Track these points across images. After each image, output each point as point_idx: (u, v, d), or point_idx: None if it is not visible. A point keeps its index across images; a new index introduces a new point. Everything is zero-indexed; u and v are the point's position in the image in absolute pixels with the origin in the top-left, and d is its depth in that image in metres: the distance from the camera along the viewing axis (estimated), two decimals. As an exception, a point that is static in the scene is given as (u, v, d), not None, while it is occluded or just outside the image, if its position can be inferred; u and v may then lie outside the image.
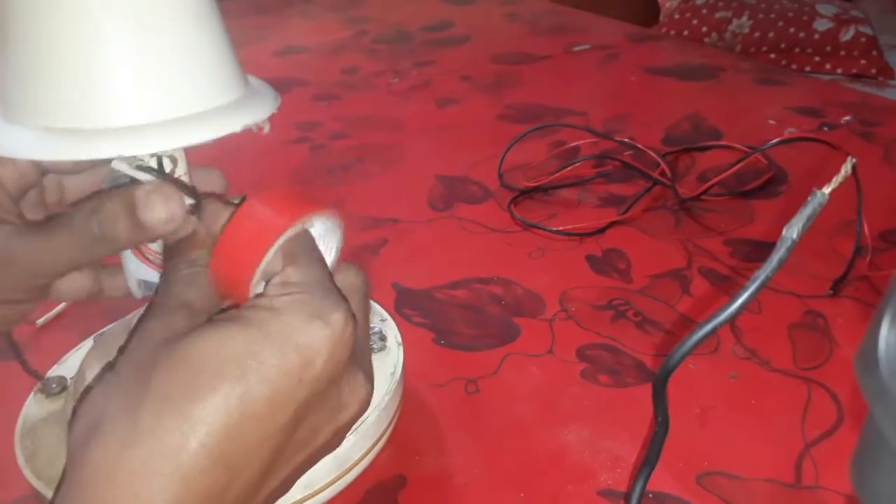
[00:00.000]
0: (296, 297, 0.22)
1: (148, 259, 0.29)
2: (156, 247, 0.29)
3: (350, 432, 0.33)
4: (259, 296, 0.23)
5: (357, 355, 0.24)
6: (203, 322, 0.23)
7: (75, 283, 0.30)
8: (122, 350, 0.23)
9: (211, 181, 0.30)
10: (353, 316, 0.23)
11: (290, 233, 0.24)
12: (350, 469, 0.33)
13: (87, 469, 0.20)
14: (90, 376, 0.32)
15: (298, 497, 0.31)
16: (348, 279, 0.26)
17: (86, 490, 0.20)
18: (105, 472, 0.20)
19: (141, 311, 0.33)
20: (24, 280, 0.26)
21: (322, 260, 0.25)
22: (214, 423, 0.20)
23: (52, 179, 0.30)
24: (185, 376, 0.20)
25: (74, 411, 0.22)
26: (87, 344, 0.38)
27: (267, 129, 0.26)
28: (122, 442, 0.20)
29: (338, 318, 0.22)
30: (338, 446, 0.26)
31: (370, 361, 0.27)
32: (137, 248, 0.29)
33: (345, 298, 0.24)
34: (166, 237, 0.26)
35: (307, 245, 0.25)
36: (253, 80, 0.29)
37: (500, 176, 0.63)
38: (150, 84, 0.24)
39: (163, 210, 0.24)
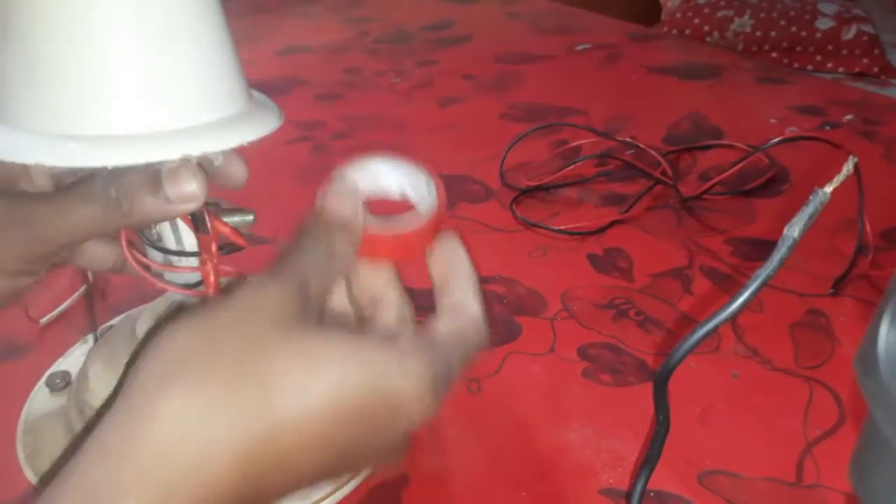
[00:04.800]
0: (428, 354, 0.22)
1: (148, 271, 0.29)
2: (159, 257, 0.29)
3: None
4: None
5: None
6: (312, 314, 0.22)
7: (100, 253, 0.30)
8: (221, 299, 0.21)
9: (232, 170, 0.29)
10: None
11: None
12: (348, 481, 0.33)
13: (154, 417, 0.18)
14: (93, 374, 0.32)
15: None
16: (464, 327, 0.25)
17: (142, 438, 0.18)
18: (173, 430, 0.18)
19: (141, 309, 0.33)
20: (37, 246, 0.26)
21: (466, 347, 0.24)
22: (297, 424, 0.19)
23: None
24: (263, 395, 0.19)
25: (148, 336, 0.20)
26: (90, 338, 0.38)
27: (218, 163, 0.26)
28: (206, 408, 0.18)
29: (436, 402, 0.21)
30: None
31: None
32: (140, 262, 0.29)
33: (452, 382, 0.23)
34: (180, 214, 0.25)
35: (456, 267, 0.25)
36: (257, 94, 0.29)
37: (502, 175, 0.63)
38: (150, 94, 0.24)
39: (188, 185, 0.24)
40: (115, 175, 0.25)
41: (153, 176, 0.25)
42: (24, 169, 0.27)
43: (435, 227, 0.25)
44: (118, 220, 0.25)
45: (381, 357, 0.21)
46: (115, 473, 0.18)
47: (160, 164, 0.24)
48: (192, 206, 0.25)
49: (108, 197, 0.25)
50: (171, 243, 0.29)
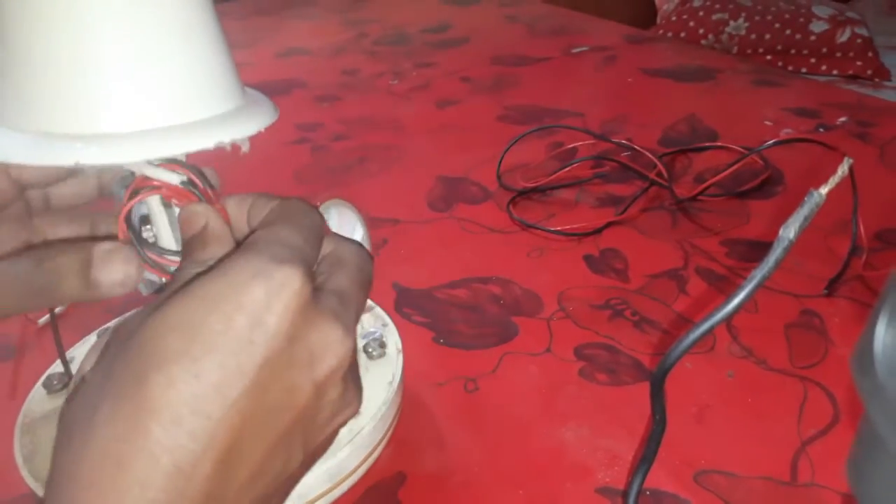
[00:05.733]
0: (243, 257, 0.21)
1: (148, 265, 0.29)
2: (154, 254, 0.29)
3: (346, 442, 0.32)
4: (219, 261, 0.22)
5: (326, 308, 0.22)
6: None
7: (74, 291, 0.30)
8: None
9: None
10: (306, 271, 0.21)
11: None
12: (345, 479, 0.33)
13: (58, 473, 0.19)
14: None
15: None
16: (338, 251, 0.25)
17: (61, 493, 0.19)
18: (70, 475, 0.19)
19: (140, 309, 0.33)
20: None
21: (298, 226, 0.23)
22: (170, 405, 0.19)
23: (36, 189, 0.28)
24: (135, 364, 0.19)
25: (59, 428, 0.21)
26: (91, 339, 0.38)
27: (245, 148, 0.26)
28: (83, 441, 0.19)
29: (283, 271, 0.21)
30: (332, 400, 0.23)
31: (353, 319, 0.24)
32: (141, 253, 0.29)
33: (299, 256, 0.22)
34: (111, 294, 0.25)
35: (289, 211, 0.24)
36: (251, 91, 0.28)
37: (499, 177, 0.63)
38: (145, 90, 0.23)
39: (120, 272, 0.24)
40: (45, 256, 0.24)
41: (85, 258, 0.24)
42: None
43: None
44: (43, 302, 0.25)
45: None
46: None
47: (96, 243, 0.24)
48: (122, 291, 0.24)
49: (35, 280, 0.24)
50: (170, 244, 0.29)
